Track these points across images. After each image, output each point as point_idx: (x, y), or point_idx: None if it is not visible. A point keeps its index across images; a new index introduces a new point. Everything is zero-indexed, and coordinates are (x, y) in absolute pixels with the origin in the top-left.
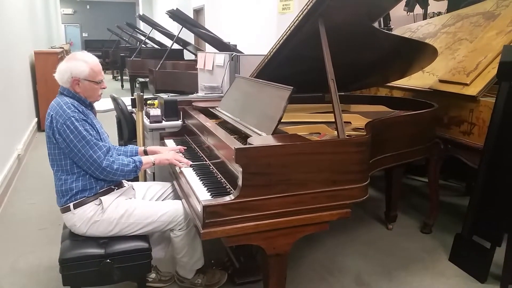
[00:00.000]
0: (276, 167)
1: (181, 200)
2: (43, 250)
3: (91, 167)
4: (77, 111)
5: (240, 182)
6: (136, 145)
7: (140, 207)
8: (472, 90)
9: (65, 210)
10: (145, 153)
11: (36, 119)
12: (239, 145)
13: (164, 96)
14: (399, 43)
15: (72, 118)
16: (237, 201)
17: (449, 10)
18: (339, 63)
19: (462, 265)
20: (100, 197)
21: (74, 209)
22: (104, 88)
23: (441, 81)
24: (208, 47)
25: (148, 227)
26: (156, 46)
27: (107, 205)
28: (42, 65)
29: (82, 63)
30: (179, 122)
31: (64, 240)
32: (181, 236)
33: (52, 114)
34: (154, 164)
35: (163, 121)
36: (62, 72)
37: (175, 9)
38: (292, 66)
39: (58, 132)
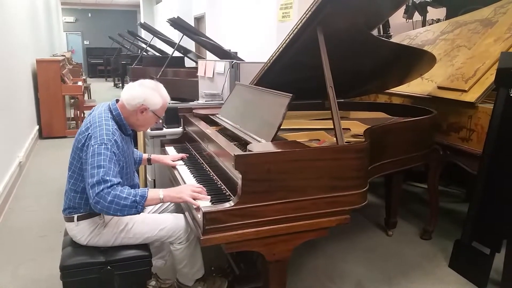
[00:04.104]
0: (276, 174)
1: (180, 214)
2: (44, 257)
3: (89, 190)
4: (112, 140)
5: (239, 189)
6: None
7: (140, 222)
8: (470, 97)
9: (69, 219)
10: (149, 161)
11: (37, 127)
12: (238, 152)
13: None
14: (398, 50)
15: (103, 145)
16: (237, 207)
17: (447, 17)
18: (338, 70)
19: (462, 271)
20: None
21: (77, 221)
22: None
23: (439, 87)
24: (209, 55)
25: (147, 240)
26: (157, 54)
27: (108, 220)
28: (44, 73)
29: (159, 96)
30: (180, 129)
31: (65, 247)
32: (181, 249)
33: (90, 134)
34: (162, 201)
35: (164, 128)
36: (135, 96)
37: (176, 17)
38: (292, 74)
39: (86, 149)
